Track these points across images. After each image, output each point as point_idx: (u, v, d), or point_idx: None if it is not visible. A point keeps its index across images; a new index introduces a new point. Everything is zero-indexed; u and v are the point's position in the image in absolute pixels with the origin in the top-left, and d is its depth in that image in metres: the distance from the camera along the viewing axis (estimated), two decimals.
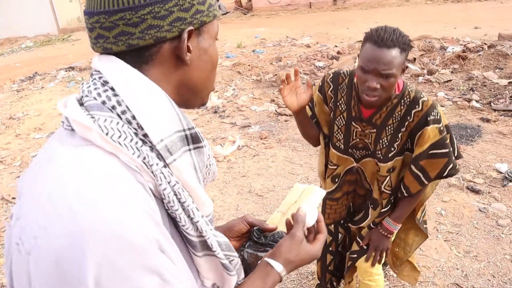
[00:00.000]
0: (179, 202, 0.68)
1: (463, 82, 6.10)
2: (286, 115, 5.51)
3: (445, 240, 2.93)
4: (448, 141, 1.70)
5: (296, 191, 1.11)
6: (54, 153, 0.65)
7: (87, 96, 0.69)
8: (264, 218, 3.36)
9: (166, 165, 0.68)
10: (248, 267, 0.95)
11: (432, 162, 1.69)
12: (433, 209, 3.27)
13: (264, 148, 4.68)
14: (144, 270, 0.59)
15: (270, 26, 13.84)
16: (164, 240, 0.63)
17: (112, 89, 0.68)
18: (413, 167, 1.72)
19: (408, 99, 1.68)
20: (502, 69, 6.37)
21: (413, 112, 1.67)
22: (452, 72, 6.57)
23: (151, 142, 0.67)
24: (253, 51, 9.40)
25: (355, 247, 2.01)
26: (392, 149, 1.75)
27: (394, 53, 1.51)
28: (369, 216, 1.92)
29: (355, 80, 1.75)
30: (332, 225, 2.05)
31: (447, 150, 1.68)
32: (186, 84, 0.76)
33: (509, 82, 5.77)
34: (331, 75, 1.84)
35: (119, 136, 0.64)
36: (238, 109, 5.98)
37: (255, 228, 1.01)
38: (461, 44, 7.67)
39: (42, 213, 0.58)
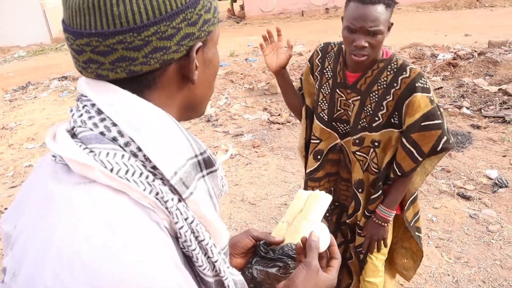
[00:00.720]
0: (197, 240, 0.60)
1: (454, 89, 6.17)
2: (279, 123, 5.54)
3: (436, 247, 2.95)
4: (440, 112, 1.62)
5: (300, 199, 1.04)
6: (52, 193, 0.56)
7: (80, 126, 0.59)
8: (257, 226, 3.37)
9: (180, 199, 0.60)
10: (258, 285, 0.90)
11: (425, 134, 1.60)
12: (424, 216, 3.29)
13: (257, 157, 4.70)
14: None
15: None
16: (185, 284, 0.56)
17: (110, 118, 0.58)
18: (404, 141, 1.64)
19: (395, 66, 1.63)
20: (492, 76, 6.44)
21: (400, 78, 1.61)
22: (443, 79, 6.65)
23: (162, 175, 0.59)
24: (246, 59, 9.44)
25: (358, 240, 1.92)
26: (377, 118, 1.67)
27: (380, 9, 1.50)
28: (361, 202, 1.83)
29: (343, 46, 1.74)
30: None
31: (440, 121, 1.60)
32: (190, 102, 0.68)
33: (499, 89, 5.84)
34: (322, 44, 1.86)
35: (127, 171, 0.55)
36: (231, 118, 6.00)
37: (261, 242, 0.94)
38: (452, 52, 7.76)
39: (50, 269, 0.49)
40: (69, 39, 0.59)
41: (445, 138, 1.62)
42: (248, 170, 4.42)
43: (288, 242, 0.93)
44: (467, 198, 3.48)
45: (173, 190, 0.59)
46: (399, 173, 1.70)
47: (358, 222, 1.89)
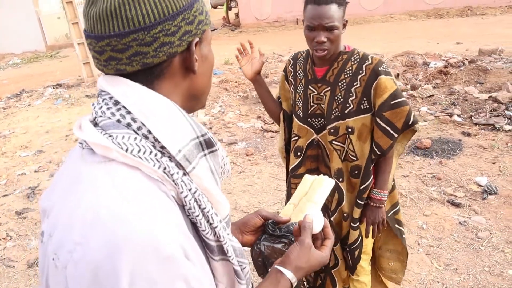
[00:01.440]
0: (200, 208, 0.71)
1: (445, 97, 6.24)
2: (272, 132, 5.58)
3: (426, 254, 2.99)
4: (402, 92, 1.81)
5: (306, 183, 1.15)
6: (80, 171, 0.69)
7: (101, 116, 0.71)
8: None
9: (185, 173, 0.71)
10: (266, 259, 1.00)
11: (396, 112, 1.77)
12: (415, 223, 3.33)
13: (250, 165, 4.73)
14: (172, 277, 0.62)
15: (257, 43, 13.89)
16: (189, 246, 0.66)
17: (125, 107, 0.70)
18: (378, 120, 1.79)
19: (358, 56, 1.82)
20: (483, 83, 6.53)
21: (364, 66, 1.79)
22: (434, 87, 6.72)
23: (169, 153, 0.70)
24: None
25: (353, 236, 1.96)
26: (348, 105, 1.81)
27: (333, 8, 1.70)
28: (343, 191, 1.91)
29: (310, 50, 1.92)
30: None
31: (404, 98, 1.79)
32: (193, 91, 0.79)
33: (489, 97, 5.92)
34: (293, 54, 2.07)
35: (139, 151, 0.67)
36: (225, 126, 6.04)
37: (269, 221, 1.04)
38: (443, 60, 7.85)
39: (77, 229, 0.62)
40: (91, 43, 0.71)
41: (412, 112, 1.81)
42: (241, 179, 4.45)
43: (293, 221, 1.03)
44: (457, 205, 3.53)
45: (179, 165, 0.70)
46: (378, 152, 1.84)
47: (344, 215, 1.95)
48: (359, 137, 1.85)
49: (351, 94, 1.80)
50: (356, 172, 1.89)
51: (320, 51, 1.76)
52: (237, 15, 19.95)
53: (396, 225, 2.05)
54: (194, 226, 0.72)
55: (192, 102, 0.82)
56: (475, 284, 2.67)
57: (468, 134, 4.93)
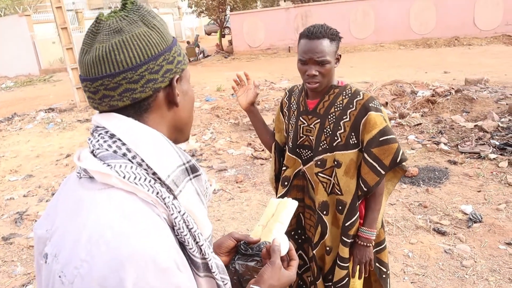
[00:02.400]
0: (187, 228, 0.79)
1: (432, 125, 6.36)
2: (262, 159, 5.63)
3: (411, 282, 3.01)
4: (391, 130, 1.81)
5: (272, 205, 1.26)
6: (81, 197, 0.77)
7: (98, 149, 0.79)
8: None
9: (175, 197, 0.80)
10: (240, 276, 1.07)
11: (384, 148, 1.77)
12: (401, 251, 3.36)
13: (239, 192, 4.76)
14: (168, 286, 0.71)
15: (250, 70, 14.19)
16: (180, 261, 0.75)
17: (120, 140, 0.79)
18: (366, 156, 1.79)
19: (350, 91, 1.85)
20: (469, 112, 6.68)
21: (355, 101, 1.81)
22: (422, 115, 6.86)
23: (160, 179, 0.79)
24: (232, 94, 9.62)
25: (338, 275, 1.89)
26: (336, 138, 1.82)
27: (325, 42, 1.75)
28: (327, 225, 1.88)
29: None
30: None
31: (394, 136, 1.79)
32: (177, 123, 0.89)
33: (475, 125, 6.04)
34: (290, 87, 2.12)
35: (135, 178, 0.76)
36: (216, 153, 6.09)
37: (241, 242, 1.12)
38: (431, 89, 8.02)
39: (82, 248, 0.69)
40: (87, 86, 0.81)
41: (401, 151, 1.80)
42: (230, 205, 4.46)
43: (263, 241, 1.12)
44: (442, 233, 3.57)
45: (169, 191, 0.79)
46: (365, 189, 1.83)
47: (327, 249, 1.90)
48: (346, 173, 1.83)
49: (339, 128, 1.82)
50: (340, 207, 1.86)
51: (312, 83, 1.79)
52: (230, 42, 20.29)
53: (377, 264, 1.99)
54: (181, 245, 0.80)
55: (177, 134, 0.91)
56: None
57: (455, 163, 5.02)
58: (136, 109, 0.82)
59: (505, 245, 3.35)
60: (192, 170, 0.85)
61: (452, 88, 7.72)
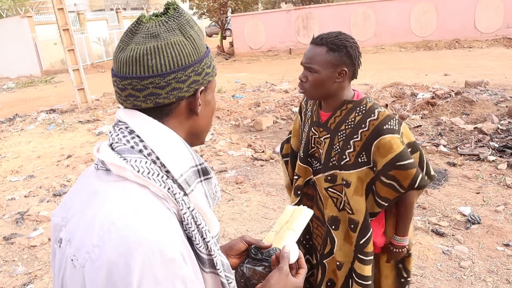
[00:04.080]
0: (196, 223, 0.82)
1: (432, 128, 6.39)
2: (262, 160, 5.65)
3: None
4: (410, 150, 1.67)
5: (288, 212, 1.26)
6: (97, 188, 0.82)
7: (117, 142, 0.84)
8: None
9: (185, 194, 0.83)
10: (247, 280, 1.08)
11: (402, 173, 1.65)
12: None
13: (239, 193, 4.78)
14: (173, 276, 0.74)
15: (250, 72, 14.25)
16: (186, 254, 0.78)
17: (138, 136, 0.83)
18: (383, 178, 1.68)
19: (364, 108, 1.71)
20: (468, 114, 6.70)
21: (368, 120, 1.68)
22: (422, 117, 6.88)
23: (173, 177, 0.82)
24: (233, 96, 9.66)
25: None
26: (344, 157, 1.73)
27: (319, 50, 1.65)
28: (335, 240, 1.83)
29: None
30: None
31: (411, 160, 1.65)
32: (194, 130, 0.92)
33: (474, 128, 6.07)
34: None
35: (148, 172, 0.80)
36: (216, 154, 6.11)
37: (252, 246, 1.13)
38: (431, 91, 8.04)
39: (95, 235, 0.74)
40: (116, 81, 0.85)
41: (420, 176, 1.67)
42: (230, 206, 4.49)
43: (274, 247, 1.12)
44: (441, 234, 3.59)
45: (180, 187, 0.83)
46: (385, 204, 1.74)
47: (338, 264, 1.85)
48: (356, 192, 1.75)
49: (349, 147, 1.72)
50: (353, 225, 1.78)
51: (300, 88, 1.75)
52: (231, 44, 20.32)
53: (400, 265, 1.94)
54: (189, 241, 0.83)
55: (193, 139, 0.94)
56: None
57: (454, 164, 5.04)
58: (158, 112, 0.85)
59: (503, 247, 3.37)
60: (204, 173, 0.88)
61: (452, 91, 7.74)
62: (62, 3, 9.92)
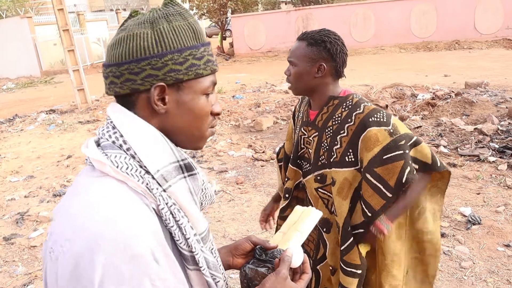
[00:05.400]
0: (174, 220, 0.81)
1: (432, 128, 6.39)
2: (263, 160, 5.65)
3: None
4: (403, 143, 1.58)
5: (296, 213, 1.22)
6: (81, 183, 0.83)
7: (101, 138, 0.85)
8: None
9: (164, 190, 0.82)
10: (249, 281, 1.05)
11: (388, 168, 1.57)
12: None
13: (240, 193, 4.78)
14: (138, 273, 0.73)
15: (250, 72, 14.26)
16: (160, 253, 0.76)
17: (119, 131, 0.83)
18: (368, 176, 1.60)
19: (350, 103, 1.69)
20: (468, 115, 6.70)
21: (354, 114, 1.65)
22: (422, 118, 6.88)
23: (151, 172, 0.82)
24: (233, 96, 9.66)
25: None
26: (332, 153, 1.70)
27: (300, 44, 1.68)
28: (327, 244, 1.78)
29: None
30: None
31: (401, 151, 1.57)
32: (168, 129, 0.88)
33: (474, 128, 6.06)
34: None
35: (127, 168, 0.80)
36: (216, 154, 6.11)
37: (257, 246, 1.10)
38: (431, 92, 8.05)
39: (69, 229, 0.75)
40: (103, 71, 0.87)
41: (408, 168, 1.57)
42: (231, 207, 4.49)
43: (279, 248, 1.09)
44: (441, 235, 3.58)
45: (158, 183, 0.82)
46: (369, 213, 1.63)
47: (330, 269, 1.80)
48: (339, 193, 1.68)
49: (336, 143, 1.69)
50: (337, 229, 1.71)
51: (287, 81, 1.78)
52: (231, 44, 20.33)
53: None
54: (172, 237, 0.83)
55: (172, 137, 0.89)
56: None
57: (454, 165, 5.04)
58: (124, 103, 0.86)
59: (503, 247, 3.37)
60: (187, 169, 0.87)
61: (452, 91, 7.74)
62: (62, 3, 9.92)
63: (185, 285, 0.83)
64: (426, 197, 1.78)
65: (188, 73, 0.85)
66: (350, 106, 1.68)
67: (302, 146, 1.87)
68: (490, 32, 16.08)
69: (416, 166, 1.64)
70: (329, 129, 1.72)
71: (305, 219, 1.18)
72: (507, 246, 3.38)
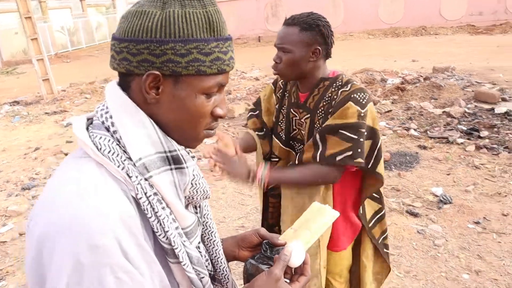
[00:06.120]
0: (153, 211, 0.76)
1: (402, 112, 6.51)
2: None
3: None
4: (363, 131, 1.64)
5: (312, 210, 1.13)
6: (64, 162, 0.81)
7: (95, 115, 0.82)
8: None
9: (146, 179, 0.77)
10: (250, 276, 0.98)
11: (337, 140, 1.63)
12: None
13: (215, 180, 4.75)
14: (100, 264, 0.67)
15: None
16: (130, 243, 0.71)
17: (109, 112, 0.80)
18: (317, 136, 1.68)
19: (340, 83, 1.71)
20: (437, 99, 6.86)
21: (340, 91, 1.68)
22: (392, 102, 7.00)
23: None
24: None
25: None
26: None
27: (292, 30, 1.65)
28: None
29: None
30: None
31: (356, 137, 1.62)
32: (158, 120, 0.80)
33: (443, 112, 6.22)
34: None
35: (109, 151, 0.76)
36: None
37: (265, 241, 1.03)
38: (400, 77, 8.20)
39: (40, 207, 0.73)
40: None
41: (350, 153, 1.62)
42: None
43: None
44: (415, 215, 3.68)
45: (139, 172, 0.78)
46: (297, 160, 1.73)
47: None
48: None
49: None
50: None
51: (274, 69, 1.73)
52: None
53: (385, 250, 1.98)
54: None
55: (167, 131, 0.82)
56: None
57: (424, 147, 5.16)
58: (122, 82, 0.81)
59: (473, 224, 3.49)
60: (175, 161, 0.81)
61: (421, 76, 7.91)
62: None
63: (164, 278, 0.78)
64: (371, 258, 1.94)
65: (188, 68, 0.77)
66: (339, 86, 1.70)
67: (294, 127, 1.86)
68: (455, 18, 16.48)
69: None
70: (320, 110, 1.73)
71: (318, 218, 1.09)
72: (477, 223, 3.50)
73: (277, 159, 1.94)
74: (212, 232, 0.97)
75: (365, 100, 1.65)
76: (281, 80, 1.94)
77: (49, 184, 0.77)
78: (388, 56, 11.75)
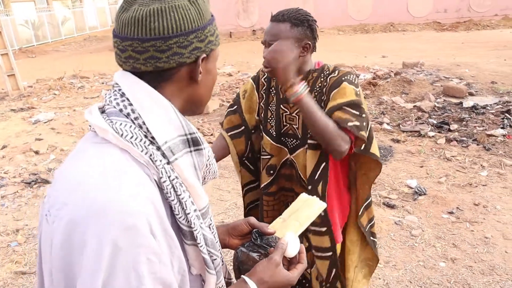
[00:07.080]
0: (176, 194, 0.80)
1: (375, 107, 6.63)
2: (211, 143, 5.59)
3: None
4: (363, 107, 1.67)
5: (300, 201, 1.20)
6: (81, 148, 0.82)
7: (108, 104, 0.83)
8: None
9: (169, 163, 0.81)
10: (240, 264, 1.05)
11: (344, 113, 1.64)
12: None
13: None
14: (134, 244, 0.70)
15: None
16: (157, 225, 0.74)
17: (128, 99, 0.81)
18: None
19: (327, 72, 1.74)
20: (408, 94, 7.02)
21: (329, 78, 1.71)
22: (365, 97, 7.08)
23: (157, 143, 0.80)
24: None
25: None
26: None
27: (283, 26, 1.65)
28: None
29: None
30: None
31: (358, 113, 1.64)
32: (193, 98, 0.90)
33: (414, 106, 6.38)
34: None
35: (131, 137, 0.78)
36: None
37: (254, 230, 1.08)
38: (371, 72, 8.34)
39: (66, 193, 0.74)
40: (117, 42, 0.83)
41: (358, 123, 1.63)
42: None
43: (275, 235, 1.08)
44: (391, 206, 3.76)
45: (164, 155, 0.81)
46: (307, 135, 1.75)
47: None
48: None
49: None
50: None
51: (265, 67, 1.66)
52: None
53: (371, 237, 2.01)
54: (172, 211, 0.81)
55: (192, 107, 0.92)
56: (412, 278, 2.86)
57: (398, 141, 5.28)
58: (157, 77, 0.83)
59: (447, 214, 3.60)
60: (194, 143, 0.85)
61: (392, 71, 8.08)
62: None
63: (182, 262, 0.81)
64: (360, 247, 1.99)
65: (216, 43, 0.88)
66: (327, 74, 1.74)
67: (285, 123, 1.85)
68: (422, 15, 16.90)
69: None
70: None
71: (305, 209, 1.16)
72: (451, 213, 3.61)
73: (268, 156, 1.92)
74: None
75: (356, 81, 1.71)
76: (264, 77, 1.91)
77: (68, 171, 0.79)
78: (358, 52, 11.94)
